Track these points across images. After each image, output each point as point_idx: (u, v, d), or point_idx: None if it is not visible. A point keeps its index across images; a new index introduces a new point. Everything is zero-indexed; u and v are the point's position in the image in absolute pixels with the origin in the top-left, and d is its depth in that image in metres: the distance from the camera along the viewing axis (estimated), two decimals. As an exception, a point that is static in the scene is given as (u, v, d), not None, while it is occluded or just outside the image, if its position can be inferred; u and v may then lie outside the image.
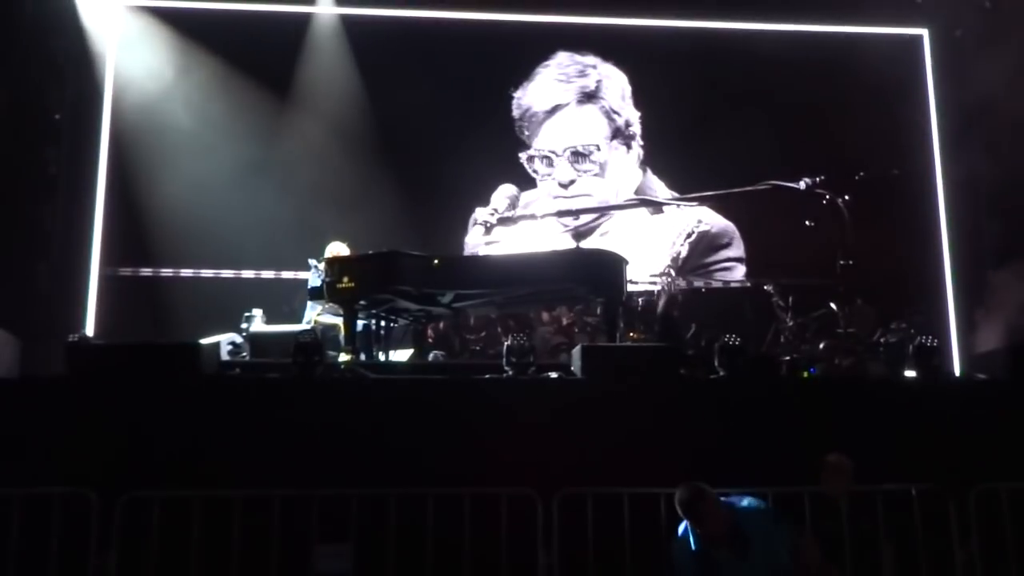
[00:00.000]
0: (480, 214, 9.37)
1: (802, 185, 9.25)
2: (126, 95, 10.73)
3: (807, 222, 9.12)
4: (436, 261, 7.47)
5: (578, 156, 11.52)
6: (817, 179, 9.12)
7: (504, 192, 8.72)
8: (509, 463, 5.15)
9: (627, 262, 7.79)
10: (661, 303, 8.94)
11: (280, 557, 4.74)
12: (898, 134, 11.06)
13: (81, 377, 5.60)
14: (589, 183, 11.53)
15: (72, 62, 10.55)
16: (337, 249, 8.59)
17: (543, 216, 11.05)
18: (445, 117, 10.97)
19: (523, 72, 11.70)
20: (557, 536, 4.85)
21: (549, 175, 11.53)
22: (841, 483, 4.95)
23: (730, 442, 5.38)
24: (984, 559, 4.78)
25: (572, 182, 11.49)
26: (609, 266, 7.59)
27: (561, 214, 11.20)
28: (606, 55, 11.73)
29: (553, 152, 11.56)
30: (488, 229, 8.59)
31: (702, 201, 10.92)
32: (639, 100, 11.65)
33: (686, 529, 4.48)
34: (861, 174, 9.21)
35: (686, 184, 11.31)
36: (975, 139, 10.68)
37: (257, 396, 5.64)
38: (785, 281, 9.10)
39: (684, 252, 11.16)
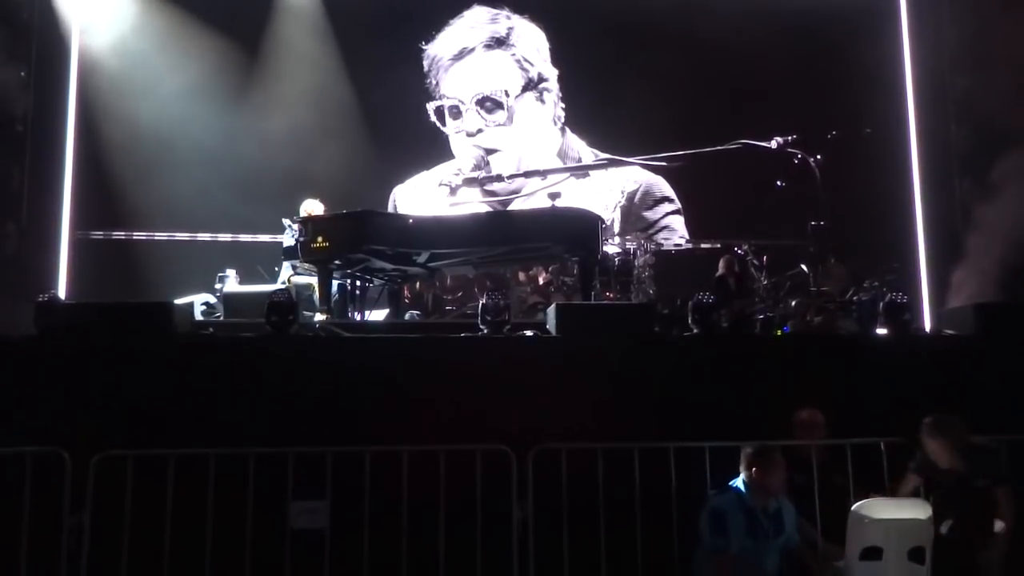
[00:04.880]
0: (444, 175, 9.20)
1: (774, 144, 9.21)
2: (94, 51, 10.50)
3: (778, 182, 9.11)
4: (411, 220, 7.45)
5: (485, 102, 10.98)
6: (789, 138, 9.08)
7: (470, 153, 8.64)
8: (484, 420, 5.19)
9: (603, 221, 7.78)
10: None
11: (256, 514, 4.75)
12: (871, 93, 11.04)
13: (51, 336, 5.54)
14: (498, 135, 11.00)
15: (37, 16, 10.29)
16: (312, 206, 8.51)
17: (509, 177, 10.77)
18: (419, 75, 10.84)
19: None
20: (532, 492, 4.89)
21: (458, 127, 10.95)
22: (814, 438, 5.05)
23: (704, 398, 5.43)
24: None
25: (480, 131, 10.94)
26: (585, 225, 7.59)
27: (528, 174, 10.88)
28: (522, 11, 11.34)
29: (460, 101, 11.04)
30: (453, 190, 8.54)
31: (672, 160, 10.74)
32: (562, 58, 11.28)
33: (735, 486, 4.64)
34: (833, 133, 9.17)
35: (655, 146, 11.03)
36: (948, 98, 10.70)
37: (231, 355, 5.61)
38: (756, 242, 9.11)
39: (617, 218, 10.83)
